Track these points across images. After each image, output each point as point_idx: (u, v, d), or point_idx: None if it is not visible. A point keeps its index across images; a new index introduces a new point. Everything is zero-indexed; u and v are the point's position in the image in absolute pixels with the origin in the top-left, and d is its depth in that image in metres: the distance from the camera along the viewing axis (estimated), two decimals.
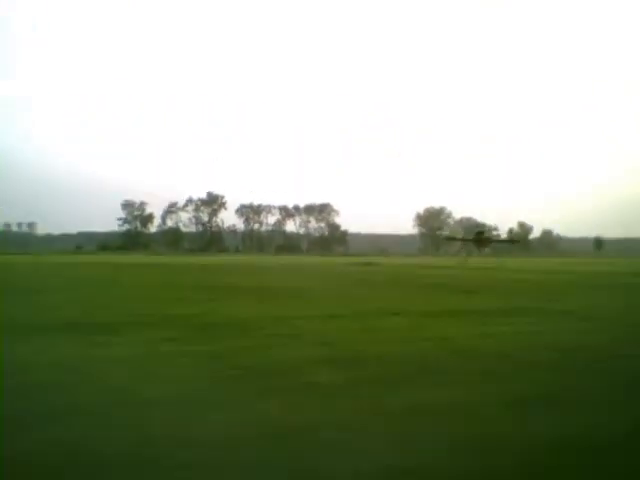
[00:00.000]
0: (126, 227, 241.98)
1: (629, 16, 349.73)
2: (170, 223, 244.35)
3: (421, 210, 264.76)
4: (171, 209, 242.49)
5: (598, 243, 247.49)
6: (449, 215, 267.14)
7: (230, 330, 17.42)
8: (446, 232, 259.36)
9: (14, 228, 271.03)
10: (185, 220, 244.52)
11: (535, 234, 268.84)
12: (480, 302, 27.28)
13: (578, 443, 7.84)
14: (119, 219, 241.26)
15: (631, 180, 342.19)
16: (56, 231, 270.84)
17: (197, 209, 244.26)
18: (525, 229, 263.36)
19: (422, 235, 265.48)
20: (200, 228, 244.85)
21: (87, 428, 8.18)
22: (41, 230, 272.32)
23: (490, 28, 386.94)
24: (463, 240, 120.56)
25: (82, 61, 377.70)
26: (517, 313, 22.57)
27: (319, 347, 14.64)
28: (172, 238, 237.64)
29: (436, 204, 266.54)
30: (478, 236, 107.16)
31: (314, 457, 7.26)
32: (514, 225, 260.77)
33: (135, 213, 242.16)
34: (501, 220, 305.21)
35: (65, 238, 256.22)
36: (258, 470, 6.90)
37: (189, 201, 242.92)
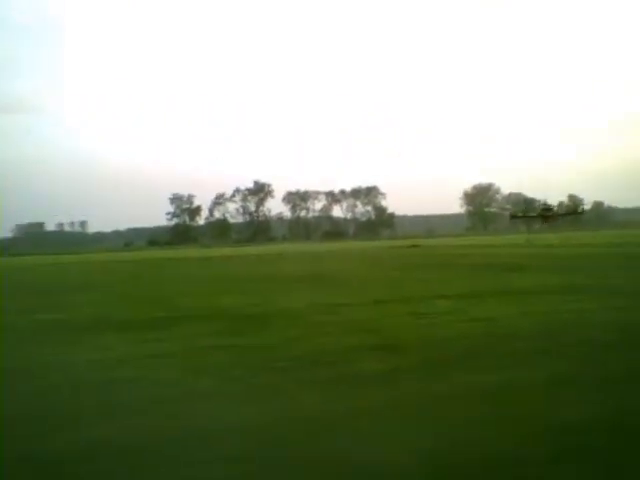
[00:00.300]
0: (175, 221, 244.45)
1: None
2: (218, 214, 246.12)
3: (468, 188, 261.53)
4: (218, 200, 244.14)
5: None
6: (497, 191, 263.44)
7: (279, 320, 17.62)
8: (494, 209, 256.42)
9: (67, 228, 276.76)
10: (232, 211, 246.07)
11: (586, 206, 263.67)
12: (528, 281, 26.99)
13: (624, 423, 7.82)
14: (168, 213, 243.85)
15: None
16: (107, 229, 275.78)
17: (244, 199, 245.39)
18: (575, 201, 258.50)
19: (470, 213, 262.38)
20: (247, 218, 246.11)
21: (139, 423, 8.41)
22: (92, 228, 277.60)
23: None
24: (528, 217, 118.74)
25: (127, 61, 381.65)
26: (571, 291, 22.24)
27: (366, 334, 14.68)
28: (220, 230, 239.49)
29: (483, 181, 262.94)
30: (544, 212, 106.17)
31: (364, 443, 7.34)
32: (564, 198, 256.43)
33: (183, 206, 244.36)
34: (550, 194, 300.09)
35: (115, 235, 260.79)
36: (311, 459, 7.01)
37: (236, 191, 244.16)
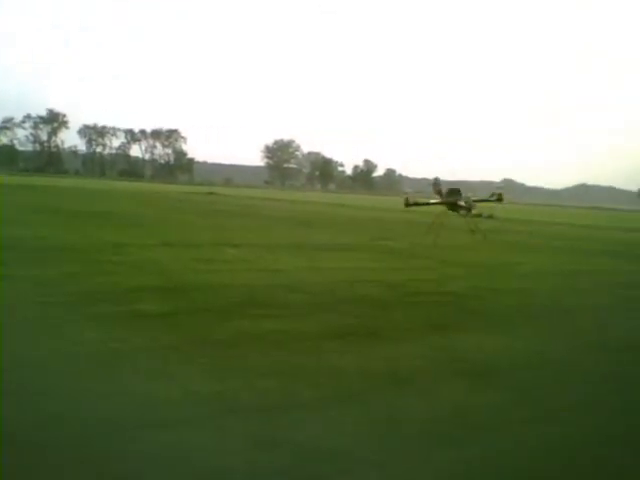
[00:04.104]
0: None
1: None
2: (5, 140, 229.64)
3: (270, 142, 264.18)
4: (6, 125, 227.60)
5: (437, 184, 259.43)
6: (297, 148, 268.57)
7: (61, 255, 16.89)
8: (293, 165, 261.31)
9: None
10: (22, 138, 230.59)
11: (379, 172, 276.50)
12: (318, 237, 27.91)
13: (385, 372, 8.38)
14: None
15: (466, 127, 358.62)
16: None
17: (35, 127, 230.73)
18: (369, 167, 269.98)
19: (269, 167, 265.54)
20: (38, 147, 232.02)
21: None
22: None
23: None
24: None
25: None
26: (350, 249, 23.34)
27: (151, 275, 14.53)
28: (6, 156, 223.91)
29: (285, 136, 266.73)
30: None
31: (131, 382, 7.29)
32: (359, 162, 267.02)
33: None
34: (346, 156, 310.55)
35: None
36: (76, 393, 6.86)
37: (27, 117, 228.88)
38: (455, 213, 37.70)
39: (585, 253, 29.33)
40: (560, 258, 26.30)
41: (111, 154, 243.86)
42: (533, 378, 8.65)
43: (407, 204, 37.91)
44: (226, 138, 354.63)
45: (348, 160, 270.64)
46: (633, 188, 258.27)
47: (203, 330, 9.85)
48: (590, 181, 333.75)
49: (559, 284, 18.46)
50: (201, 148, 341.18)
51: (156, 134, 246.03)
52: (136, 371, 7.73)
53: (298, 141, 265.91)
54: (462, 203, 38.25)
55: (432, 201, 38.20)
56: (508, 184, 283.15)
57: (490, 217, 49.49)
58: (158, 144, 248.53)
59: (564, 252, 29.05)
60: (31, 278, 13.25)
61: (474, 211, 38.68)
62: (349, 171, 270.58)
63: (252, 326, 10.28)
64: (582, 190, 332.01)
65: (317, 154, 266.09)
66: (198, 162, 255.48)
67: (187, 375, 7.67)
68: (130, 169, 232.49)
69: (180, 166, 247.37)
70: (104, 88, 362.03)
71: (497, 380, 8.45)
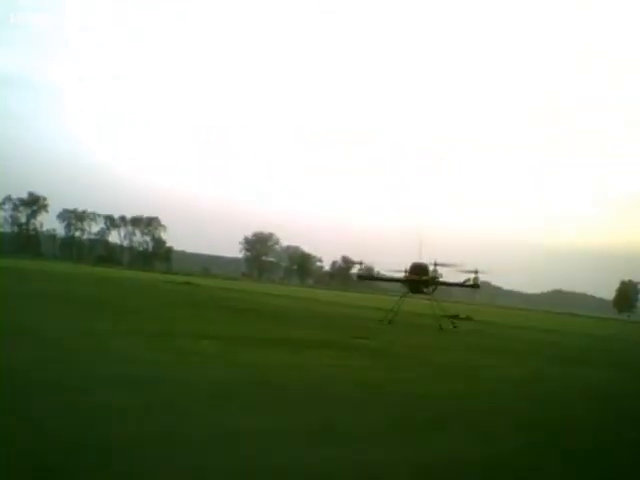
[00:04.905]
0: None
1: None
2: None
3: (249, 234, 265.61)
4: None
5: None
6: (276, 242, 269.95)
7: (31, 342, 16.76)
8: (271, 258, 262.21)
9: None
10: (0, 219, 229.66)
11: (356, 269, 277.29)
12: (292, 332, 27.98)
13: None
14: None
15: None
16: None
17: (15, 209, 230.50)
18: (348, 262, 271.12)
19: (247, 259, 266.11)
20: (16, 229, 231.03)
21: None
22: None
23: None
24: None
25: None
26: (326, 346, 23.41)
27: (122, 365, 14.52)
28: None
29: (265, 229, 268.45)
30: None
31: None
32: (337, 258, 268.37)
33: None
34: (325, 252, 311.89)
35: None
36: None
37: (7, 199, 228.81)
38: (419, 295, 36.57)
39: (551, 359, 29.85)
40: (526, 362, 26.86)
41: (89, 239, 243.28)
42: None
43: (360, 277, 36.57)
44: (205, 228, 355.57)
45: (327, 256, 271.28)
46: (606, 296, 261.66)
47: (170, 423, 9.88)
48: (565, 287, 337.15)
49: (520, 391, 18.73)
50: (180, 237, 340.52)
51: (136, 221, 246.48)
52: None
53: (277, 235, 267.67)
54: (425, 278, 36.91)
55: (389, 276, 37.35)
56: (485, 287, 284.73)
57: (468, 319, 50.17)
58: (137, 231, 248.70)
59: (531, 356, 29.66)
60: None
61: (451, 312, 38.63)
62: (327, 267, 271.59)
63: (219, 423, 10.30)
64: (557, 295, 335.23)
65: (296, 248, 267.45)
66: (176, 251, 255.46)
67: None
68: (108, 255, 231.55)
69: (158, 254, 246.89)
70: (84, 174, 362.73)
71: None
